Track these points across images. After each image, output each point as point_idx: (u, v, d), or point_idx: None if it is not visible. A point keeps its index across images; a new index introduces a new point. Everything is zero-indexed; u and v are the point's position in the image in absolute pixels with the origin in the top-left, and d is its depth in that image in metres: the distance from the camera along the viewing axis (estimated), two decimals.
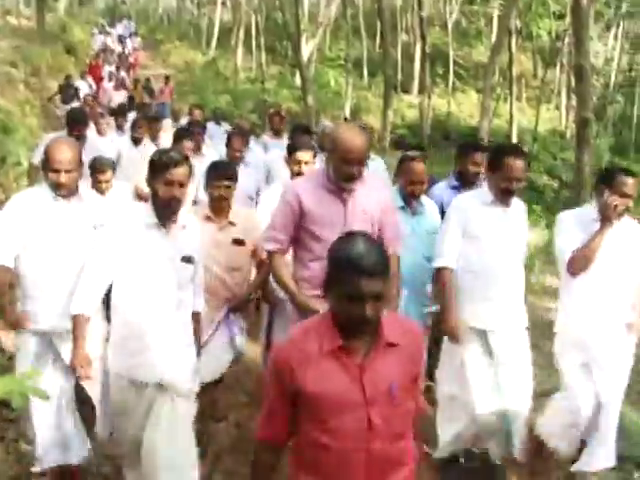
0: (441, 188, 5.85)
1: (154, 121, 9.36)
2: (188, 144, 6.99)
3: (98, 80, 20.63)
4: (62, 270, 3.91)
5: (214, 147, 8.94)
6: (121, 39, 33.08)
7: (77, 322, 3.71)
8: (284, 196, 4.05)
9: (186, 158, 3.78)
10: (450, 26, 30.26)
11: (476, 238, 4.47)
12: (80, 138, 6.77)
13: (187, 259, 3.82)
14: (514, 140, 21.47)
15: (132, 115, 11.84)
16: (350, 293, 2.32)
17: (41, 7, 29.56)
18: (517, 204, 4.61)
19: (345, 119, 20.08)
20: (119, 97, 18.11)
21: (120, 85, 19.84)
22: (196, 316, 4.04)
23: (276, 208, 4.13)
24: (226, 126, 12.24)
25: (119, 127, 10.88)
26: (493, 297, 4.47)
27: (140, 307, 3.67)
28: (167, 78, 21.26)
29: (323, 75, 29.47)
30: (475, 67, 32.80)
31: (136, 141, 8.87)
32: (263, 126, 13.37)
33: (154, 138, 8.98)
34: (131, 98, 16.20)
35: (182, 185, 3.67)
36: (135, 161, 7.86)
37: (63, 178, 3.86)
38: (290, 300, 4.08)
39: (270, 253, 4.12)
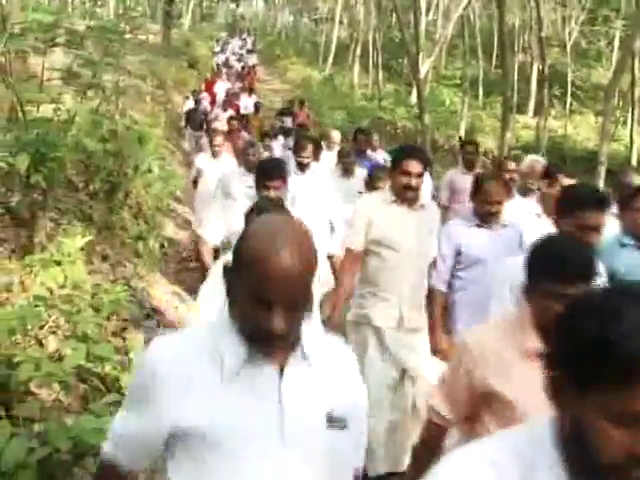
0: None
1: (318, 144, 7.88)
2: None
3: (212, 96, 20.31)
4: None
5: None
6: (241, 57, 34.11)
7: None
8: None
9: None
10: (569, 47, 29.76)
11: None
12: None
13: None
14: (634, 164, 20.93)
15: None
16: None
17: (167, 23, 30.98)
18: None
19: (460, 139, 20.11)
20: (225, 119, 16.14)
21: (229, 105, 18.25)
22: None
23: None
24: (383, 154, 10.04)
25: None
26: None
27: None
28: (302, 103, 19.33)
29: (438, 94, 29.52)
30: (593, 89, 32.09)
31: (302, 167, 6.96)
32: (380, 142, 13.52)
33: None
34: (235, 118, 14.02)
35: None
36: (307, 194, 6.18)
37: (279, 325, 1.67)
38: None
39: None
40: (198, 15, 56.26)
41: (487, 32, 34.11)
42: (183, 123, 17.81)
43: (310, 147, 7.11)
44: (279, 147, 12.32)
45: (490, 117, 28.04)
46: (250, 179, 6.67)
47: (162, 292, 7.79)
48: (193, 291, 8.19)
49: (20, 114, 6.39)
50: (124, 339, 5.88)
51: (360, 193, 7.06)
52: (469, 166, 7.88)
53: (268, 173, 4.74)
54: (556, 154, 24.76)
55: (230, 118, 13.43)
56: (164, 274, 8.44)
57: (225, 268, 1.76)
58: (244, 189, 6.23)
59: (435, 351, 4.72)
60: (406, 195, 4.57)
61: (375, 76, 31.85)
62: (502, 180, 4.90)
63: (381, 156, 9.71)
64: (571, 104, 29.77)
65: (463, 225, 4.78)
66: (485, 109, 29.95)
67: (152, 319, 6.82)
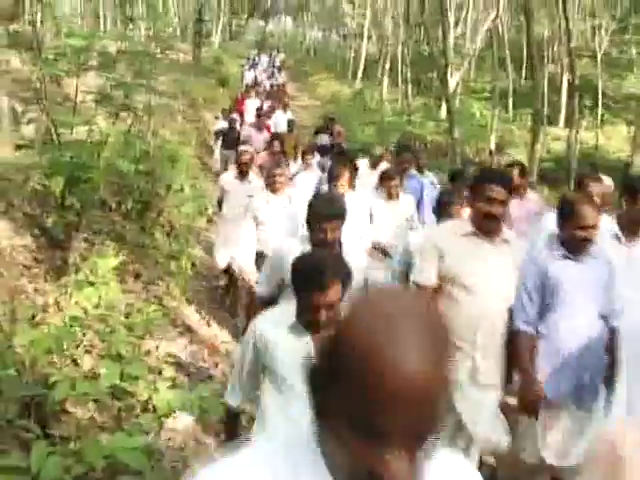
0: None
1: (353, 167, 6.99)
2: None
3: (242, 115, 19.82)
4: None
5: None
6: (272, 74, 34.32)
7: None
8: None
9: None
10: (599, 56, 29.54)
11: None
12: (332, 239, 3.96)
13: None
14: None
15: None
16: None
17: (197, 42, 31.33)
18: None
19: (490, 152, 20.03)
20: (260, 139, 15.07)
21: (263, 127, 16.81)
22: None
23: None
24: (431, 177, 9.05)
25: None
26: None
27: None
28: (332, 120, 18.62)
29: (468, 107, 29.45)
30: (625, 99, 31.81)
31: None
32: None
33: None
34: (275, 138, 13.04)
35: None
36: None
37: (401, 470, 1.03)
38: None
39: None
40: (227, 33, 56.83)
41: (516, 44, 33.99)
42: (212, 142, 17.84)
43: (347, 175, 6.56)
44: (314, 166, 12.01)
45: (521, 129, 27.89)
46: (276, 201, 6.80)
47: (194, 310, 7.87)
48: (223, 309, 8.28)
49: (54, 136, 6.53)
50: (157, 358, 5.96)
51: (407, 220, 6.78)
52: (516, 191, 6.29)
53: (323, 211, 3.95)
54: (588, 165, 24.57)
55: (271, 139, 12.89)
56: (195, 292, 8.52)
57: (313, 373, 1.14)
58: (272, 211, 6.29)
59: (524, 406, 4.01)
60: (487, 226, 4.00)
61: (404, 90, 31.88)
62: (594, 201, 4.19)
63: (428, 179, 8.64)
64: (602, 115, 29.52)
65: (549, 256, 4.05)
66: (515, 121, 29.80)
67: (184, 337, 6.90)
